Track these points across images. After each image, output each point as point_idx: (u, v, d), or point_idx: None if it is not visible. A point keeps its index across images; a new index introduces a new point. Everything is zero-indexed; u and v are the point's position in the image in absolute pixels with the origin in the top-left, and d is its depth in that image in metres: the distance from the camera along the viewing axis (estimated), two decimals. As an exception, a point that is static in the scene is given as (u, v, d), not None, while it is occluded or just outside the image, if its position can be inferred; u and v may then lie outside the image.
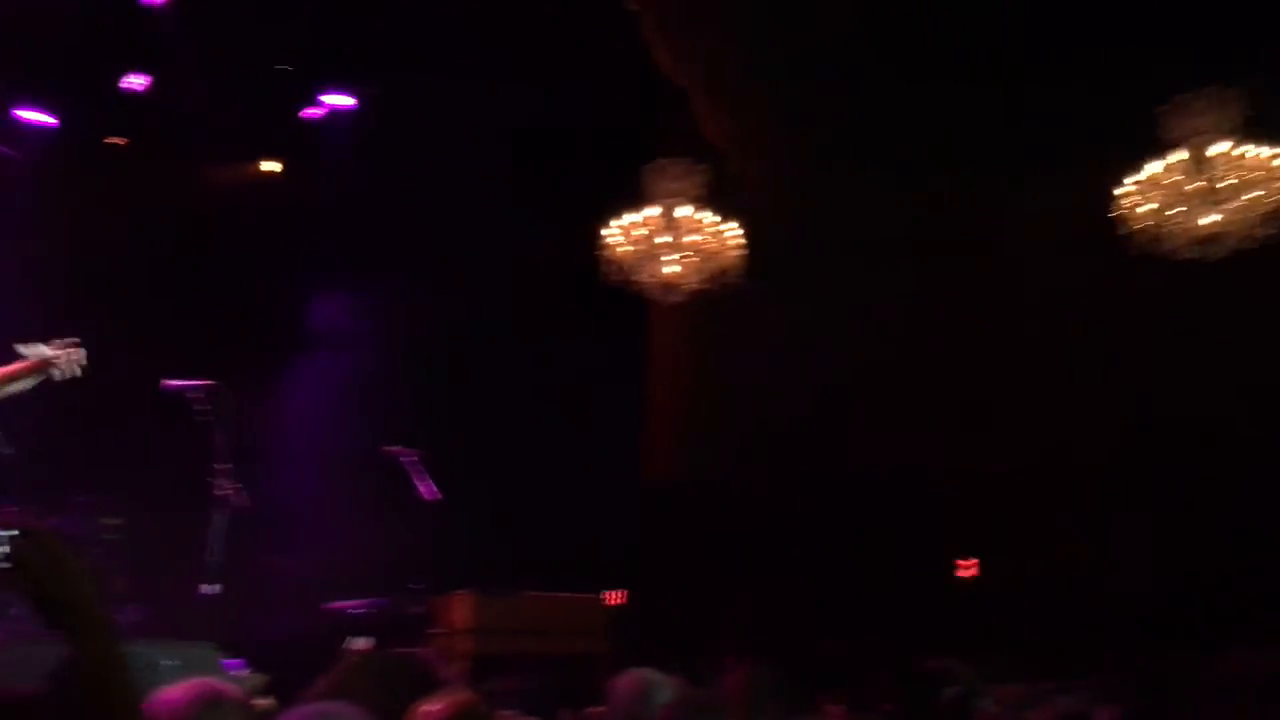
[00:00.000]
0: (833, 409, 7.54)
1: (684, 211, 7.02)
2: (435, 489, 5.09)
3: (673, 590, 7.50)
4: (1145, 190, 6.14)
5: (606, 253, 7.08)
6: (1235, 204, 6.00)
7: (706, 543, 7.63)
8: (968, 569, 7.66)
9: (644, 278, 7.16)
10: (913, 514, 7.41)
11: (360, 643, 4.78)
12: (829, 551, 7.40)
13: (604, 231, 7.12)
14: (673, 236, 7.04)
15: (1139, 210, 6.19)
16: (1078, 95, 6.59)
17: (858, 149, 7.18)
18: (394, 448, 5.22)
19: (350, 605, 5.34)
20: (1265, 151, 5.93)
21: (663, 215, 7.03)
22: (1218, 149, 5.95)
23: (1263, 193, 5.93)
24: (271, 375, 7.22)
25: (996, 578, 7.50)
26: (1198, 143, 6.00)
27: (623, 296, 7.31)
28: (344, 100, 7.79)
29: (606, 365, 7.79)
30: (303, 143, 7.92)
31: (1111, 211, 6.27)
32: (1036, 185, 6.56)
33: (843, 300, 7.46)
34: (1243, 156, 5.96)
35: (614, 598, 7.20)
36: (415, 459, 5.17)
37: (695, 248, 7.07)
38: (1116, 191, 6.25)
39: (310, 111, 7.82)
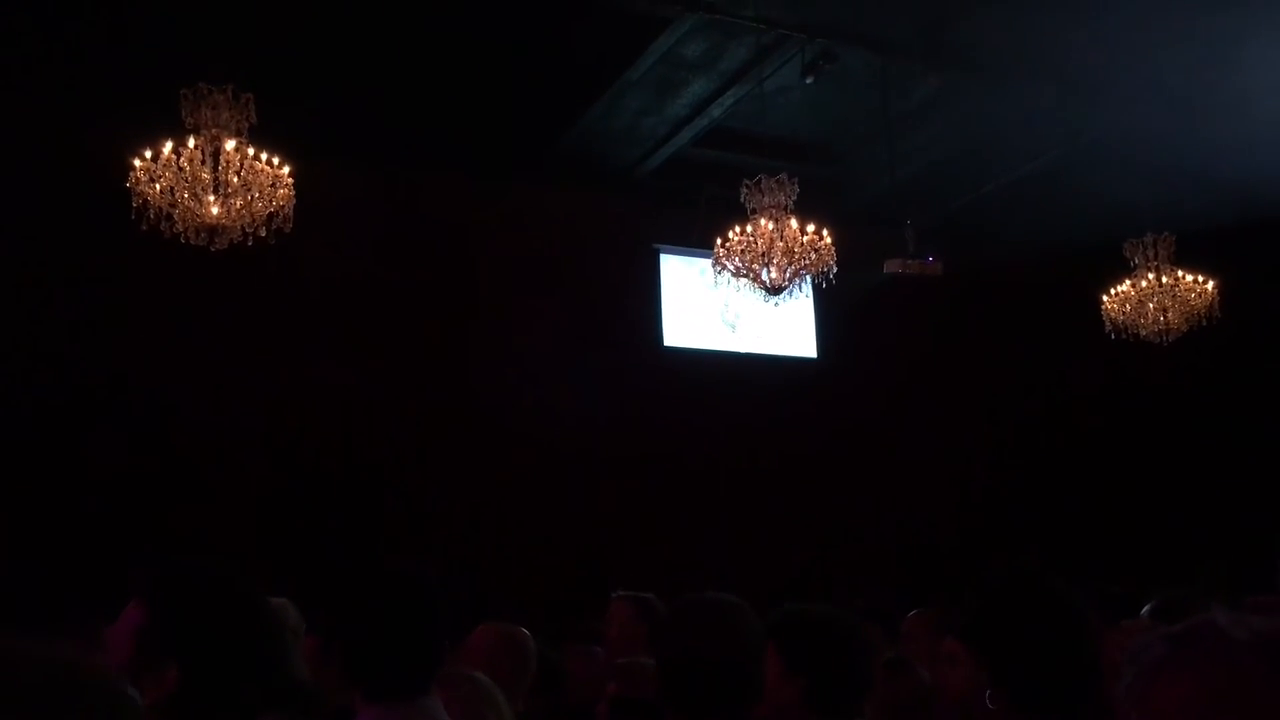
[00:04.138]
0: None
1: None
2: None
3: None
4: (157, 169, 6.25)
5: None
6: (239, 201, 6.38)
7: None
8: None
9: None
10: None
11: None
12: None
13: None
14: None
15: (154, 186, 6.29)
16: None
17: None
18: None
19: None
20: (270, 159, 6.41)
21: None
22: (230, 145, 6.30)
23: (262, 196, 6.38)
24: None
25: None
26: (212, 134, 6.30)
27: None
28: None
29: None
30: None
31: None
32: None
33: None
34: (254, 158, 6.38)
35: None
36: None
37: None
38: (135, 164, 6.29)
39: None
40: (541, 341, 9.21)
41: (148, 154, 6.19)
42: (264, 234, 6.44)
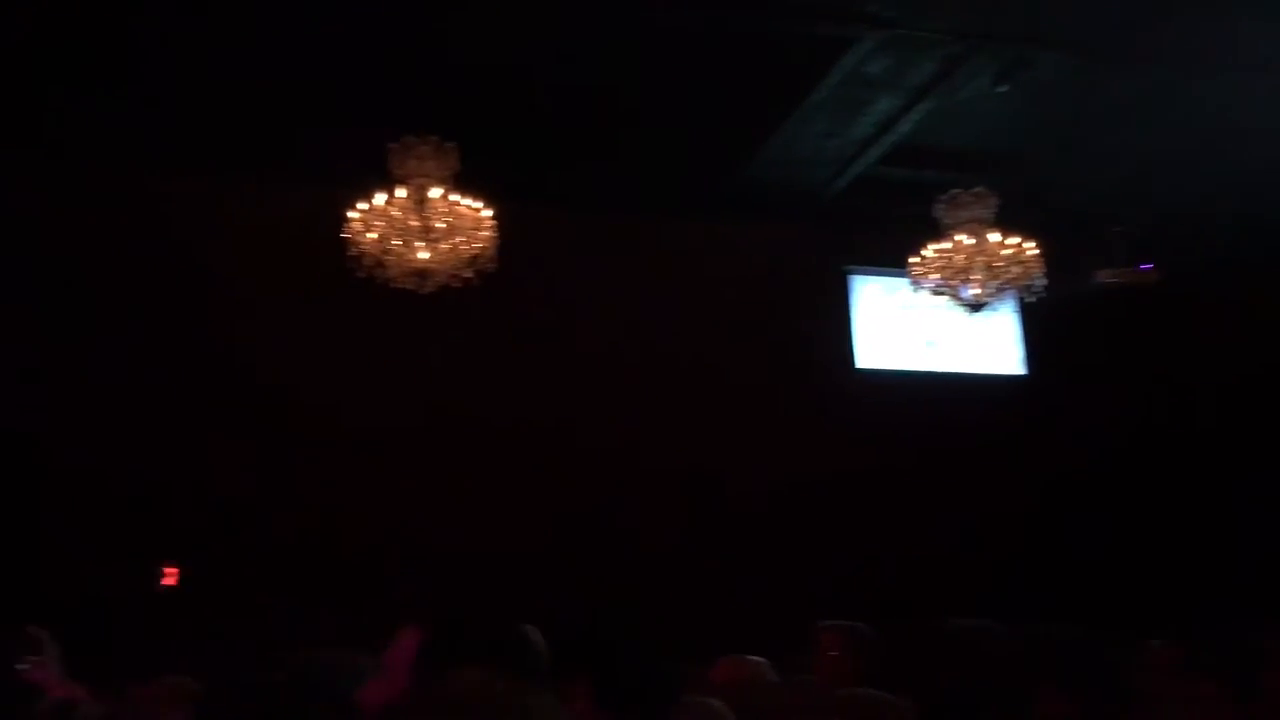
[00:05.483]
0: None
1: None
2: None
3: None
4: (370, 219, 6.63)
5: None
6: (445, 245, 6.69)
7: None
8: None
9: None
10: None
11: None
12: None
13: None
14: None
15: (366, 236, 6.69)
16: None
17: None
18: None
19: None
20: (472, 203, 6.70)
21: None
22: (435, 193, 6.62)
23: (466, 239, 6.68)
24: None
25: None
26: (419, 184, 6.64)
27: None
28: None
29: None
30: None
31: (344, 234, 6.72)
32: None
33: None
34: (455, 204, 6.68)
35: None
36: None
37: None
38: (350, 215, 6.70)
39: None
40: (737, 372, 9.19)
41: (363, 205, 6.57)
42: (469, 275, 6.74)
